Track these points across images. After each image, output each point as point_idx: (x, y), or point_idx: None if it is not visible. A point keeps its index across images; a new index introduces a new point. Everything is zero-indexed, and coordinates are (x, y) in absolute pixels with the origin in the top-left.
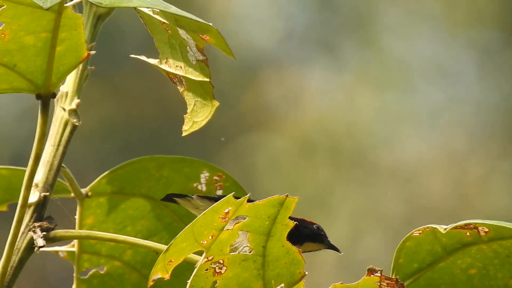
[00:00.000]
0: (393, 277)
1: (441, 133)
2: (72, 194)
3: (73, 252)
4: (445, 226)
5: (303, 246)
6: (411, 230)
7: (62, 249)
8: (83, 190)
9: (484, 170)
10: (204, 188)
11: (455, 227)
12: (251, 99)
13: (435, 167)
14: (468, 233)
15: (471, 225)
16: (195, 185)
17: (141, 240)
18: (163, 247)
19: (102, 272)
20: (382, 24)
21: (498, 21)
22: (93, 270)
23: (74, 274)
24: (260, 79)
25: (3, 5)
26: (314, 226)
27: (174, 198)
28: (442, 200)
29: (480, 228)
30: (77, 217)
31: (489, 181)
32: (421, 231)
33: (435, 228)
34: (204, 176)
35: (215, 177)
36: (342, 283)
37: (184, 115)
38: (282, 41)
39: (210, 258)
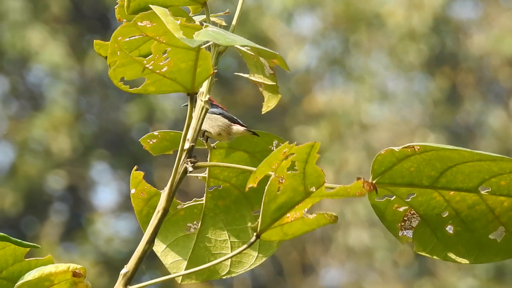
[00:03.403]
0: (371, 177)
1: (393, 112)
2: (206, 147)
3: (205, 177)
4: (397, 148)
5: (234, 128)
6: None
7: (200, 175)
8: (212, 145)
9: (414, 128)
10: (274, 149)
11: (403, 147)
12: (306, 99)
13: (391, 127)
14: (409, 150)
15: (411, 146)
16: (270, 147)
17: (242, 166)
18: (254, 169)
19: (219, 189)
20: (369, 68)
21: (422, 67)
22: (215, 187)
23: (205, 189)
24: (309, 86)
25: (169, 48)
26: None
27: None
28: (393, 142)
29: (415, 147)
30: (208, 159)
31: (418, 135)
32: (385, 151)
33: (393, 149)
34: (274, 143)
35: (280, 143)
36: (344, 185)
37: (263, 103)
38: (318, 63)
39: (277, 175)
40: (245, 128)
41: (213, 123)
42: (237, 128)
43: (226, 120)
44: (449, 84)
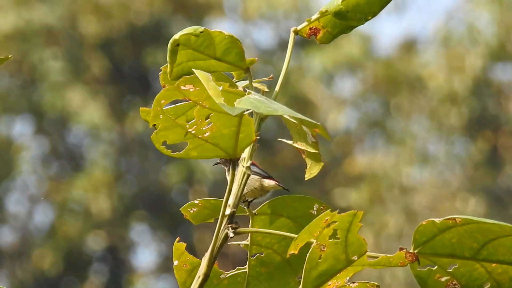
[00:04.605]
0: (412, 247)
1: (433, 175)
2: (248, 213)
3: (247, 244)
4: (439, 219)
5: (266, 181)
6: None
7: (242, 242)
8: (254, 211)
9: (455, 191)
10: (315, 213)
11: (444, 219)
12: (346, 161)
13: (432, 190)
14: (450, 222)
15: (452, 218)
16: (311, 211)
17: (283, 232)
18: (294, 236)
19: (262, 255)
20: (409, 130)
21: (463, 130)
22: (257, 254)
23: (248, 256)
24: (349, 148)
25: (212, 113)
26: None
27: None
28: (434, 206)
29: (457, 219)
30: (250, 225)
31: (459, 198)
32: (426, 222)
33: (434, 220)
34: (315, 207)
35: (321, 207)
36: (386, 255)
37: (305, 169)
38: (358, 126)
39: (318, 243)
40: (276, 182)
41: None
42: (268, 182)
43: (256, 176)
44: (490, 147)
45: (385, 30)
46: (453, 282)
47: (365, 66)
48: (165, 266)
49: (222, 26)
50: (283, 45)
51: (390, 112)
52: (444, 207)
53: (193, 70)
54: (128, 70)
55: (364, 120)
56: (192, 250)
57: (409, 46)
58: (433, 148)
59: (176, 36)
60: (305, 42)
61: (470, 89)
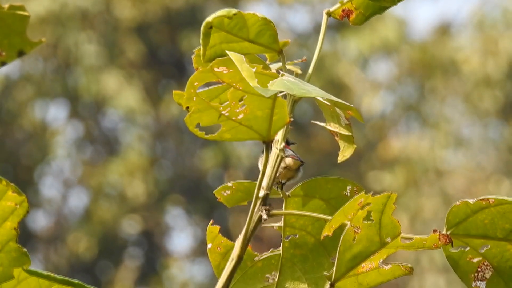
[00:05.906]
0: (445, 228)
1: (468, 158)
2: (281, 195)
3: (281, 226)
4: (472, 200)
5: (286, 159)
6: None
7: (275, 224)
8: (287, 193)
9: (489, 174)
10: (348, 194)
11: (477, 200)
12: (381, 145)
13: (466, 174)
14: (483, 202)
15: (485, 199)
16: (344, 192)
17: (317, 214)
18: (328, 217)
19: (295, 237)
20: (444, 114)
21: (497, 113)
22: (291, 236)
23: (282, 238)
24: (384, 132)
25: (245, 95)
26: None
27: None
28: (468, 189)
29: (490, 199)
30: (283, 207)
31: (493, 181)
32: (459, 203)
33: (468, 201)
34: (348, 188)
35: (354, 188)
36: (419, 237)
37: (339, 152)
38: (392, 109)
39: (352, 225)
40: (292, 157)
41: None
42: (288, 159)
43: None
44: None
45: (420, 14)
46: (485, 263)
47: (400, 49)
48: (200, 250)
49: (258, 10)
50: (318, 29)
51: (425, 96)
52: (478, 190)
53: (227, 52)
54: (163, 54)
55: (398, 104)
56: (227, 234)
57: (444, 30)
58: (468, 131)
59: (209, 19)
60: (340, 25)
61: (505, 72)
